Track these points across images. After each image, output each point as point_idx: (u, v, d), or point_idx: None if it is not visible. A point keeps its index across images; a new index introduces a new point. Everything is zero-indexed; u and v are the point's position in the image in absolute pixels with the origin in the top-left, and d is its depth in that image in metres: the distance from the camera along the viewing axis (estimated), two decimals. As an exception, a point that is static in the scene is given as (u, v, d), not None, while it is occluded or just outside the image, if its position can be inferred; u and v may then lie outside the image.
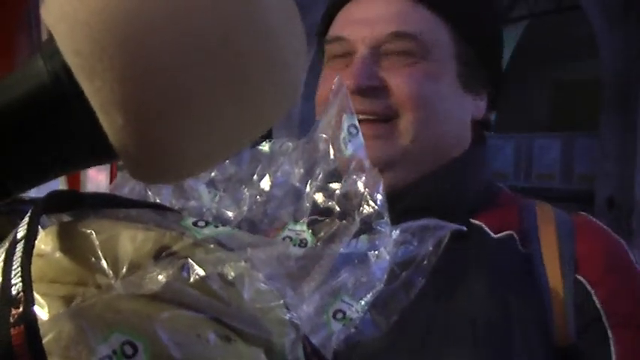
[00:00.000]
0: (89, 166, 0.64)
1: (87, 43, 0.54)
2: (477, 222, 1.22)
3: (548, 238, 1.18)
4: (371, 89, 1.16)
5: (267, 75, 0.59)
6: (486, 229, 1.22)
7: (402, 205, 1.03)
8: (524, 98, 11.81)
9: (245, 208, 0.88)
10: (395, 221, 0.85)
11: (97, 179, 1.67)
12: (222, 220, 0.86)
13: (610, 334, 1.10)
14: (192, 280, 0.59)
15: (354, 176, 0.86)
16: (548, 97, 13.02)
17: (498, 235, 1.21)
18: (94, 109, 0.55)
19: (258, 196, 0.90)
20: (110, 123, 0.56)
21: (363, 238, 0.84)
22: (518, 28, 11.14)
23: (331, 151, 0.87)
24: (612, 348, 1.10)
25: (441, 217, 0.91)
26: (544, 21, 11.26)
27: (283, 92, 0.61)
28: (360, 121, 1.03)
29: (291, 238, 0.82)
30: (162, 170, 0.60)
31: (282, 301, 0.61)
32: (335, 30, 1.25)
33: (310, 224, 0.84)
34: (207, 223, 0.64)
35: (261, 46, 0.57)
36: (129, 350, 0.58)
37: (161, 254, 0.62)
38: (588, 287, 1.14)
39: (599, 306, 1.12)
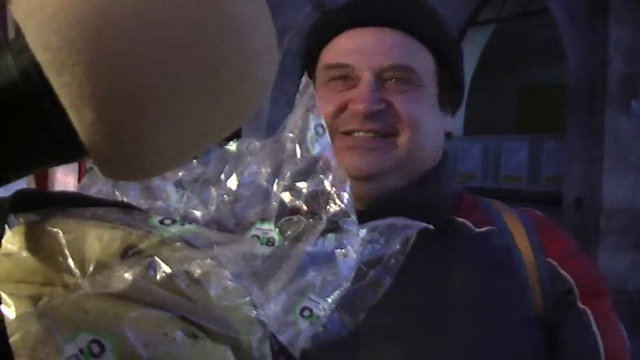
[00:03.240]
0: (59, 163, 0.63)
1: (56, 37, 0.54)
2: (460, 219, 1.44)
3: (517, 231, 1.42)
4: (378, 112, 1.35)
5: (239, 69, 0.58)
6: (469, 224, 1.43)
7: (395, 206, 1.17)
8: (491, 101, 11.91)
9: (213, 207, 0.88)
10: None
11: (65, 181, 1.65)
12: (189, 220, 0.86)
13: (579, 305, 1.37)
14: (158, 278, 0.59)
15: (321, 175, 0.86)
16: (515, 100, 13.14)
17: (480, 229, 1.43)
18: (64, 105, 0.55)
19: (225, 196, 0.90)
20: (80, 119, 0.55)
21: (331, 236, 0.85)
22: (485, 31, 11.23)
23: (298, 151, 0.88)
24: (587, 316, 1.36)
25: (429, 216, 1.07)
26: (511, 25, 11.35)
27: (254, 87, 0.61)
28: (362, 135, 1.36)
29: (258, 237, 0.83)
30: (132, 167, 0.60)
31: (248, 299, 0.62)
32: (335, 57, 1.41)
33: (277, 223, 0.85)
34: (173, 222, 0.64)
35: (231, 41, 0.57)
36: (96, 349, 0.58)
37: (128, 253, 0.62)
38: (557, 267, 1.39)
39: (570, 280, 1.39)
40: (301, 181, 0.88)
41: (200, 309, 0.60)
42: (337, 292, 0.78)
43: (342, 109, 1.37)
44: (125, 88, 0.54)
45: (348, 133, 1.37)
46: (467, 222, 1.44)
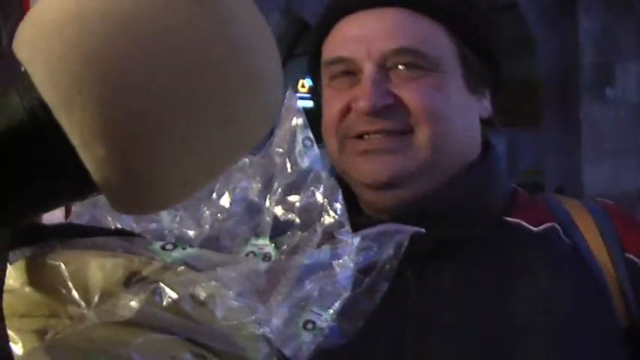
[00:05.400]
0: (71, 201, 0.62)
1: (64, 76, 0.53)
2: (513, 220, 1.20)
3: (586, 226, 1.18)
4: (385, 108, 1.13)
5: (246, 95, 0.58)
6: (525, 224, 1.20)
7: (425, 214, 1.06)
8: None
9: (207, 226, 0.88)
10: (431, 236, 0.89)
11: (52, 214, 1.64)
12: (184, 240, 0.87)
13: None
14: (164, 303, 0.60)
15: (313, 188, 0.87)
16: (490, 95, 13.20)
17: (539, 228, 1.19)
18: (74, 143, 0.54)
19: (218, 214, 0.90)
20: (92, 156, 0.54)
21: (326, 247, 0.85)
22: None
23: (288, 165, 0.88)
24: None
25: (472, 220, 0.99)
26: (481, 21, 11.43)
27: (263, 111, 0.60)
28: (372, 137, 1.15)
29: (254, 253, 0.83)
30: (145, 201, 0.58)
31: (254, 317, 0.62)
32: (333, 50, 1.21)
33: (273, 238, 0.85)
34: (175, 246, 0.65)
35: (238, 66, 0.57)
36: (106, 376, 0.58)
37: (132, 280, 0.63)
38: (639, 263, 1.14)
39: None
40: (292, 194, 0.88)
41: (206, 330, 0.61)
42: (337, 302, 0.78)
43: (347, 110, 1.16)
44: (136, 123, 0.54)
45: (360, 136, 1.16)
46: (522, 222, 1.20)
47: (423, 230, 1.01)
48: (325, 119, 1.22)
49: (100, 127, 0.53)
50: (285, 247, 0.83)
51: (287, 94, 0.93)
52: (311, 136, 0.89)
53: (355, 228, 0.84)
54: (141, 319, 0.61)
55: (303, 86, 13.02)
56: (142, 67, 0.54)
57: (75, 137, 0.54)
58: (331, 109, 1.17)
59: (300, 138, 0.88)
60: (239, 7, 0.59)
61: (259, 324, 0.63)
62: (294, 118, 0.89)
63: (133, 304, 0.60)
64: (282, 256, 0.82)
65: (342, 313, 0.87)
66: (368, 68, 1.14)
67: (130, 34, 0.54)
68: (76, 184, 0.57)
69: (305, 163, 0.88)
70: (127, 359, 0.59)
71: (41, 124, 0.55)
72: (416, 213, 1.10)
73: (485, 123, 1.31)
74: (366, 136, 1.15)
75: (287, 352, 0.73)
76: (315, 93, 1.31)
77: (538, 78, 9.49)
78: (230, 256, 0.68)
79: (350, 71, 1.17)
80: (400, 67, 1.14)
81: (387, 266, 0.92)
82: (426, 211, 1.12)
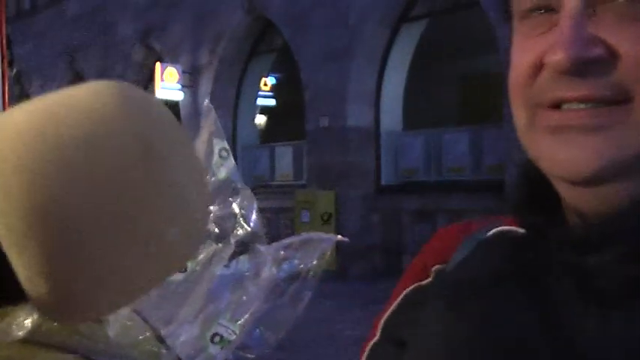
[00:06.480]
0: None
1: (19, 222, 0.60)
2: None
3: None
4: (592, 63, 0.73)
5: (179, 233, 0.65)
6: None
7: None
8: (430, 95, 12.03)
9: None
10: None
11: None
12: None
13: None
14: (56, 322, 0.60)
15: (230, 198, 0.87)
16: (453, 92, 13.29)
17: None
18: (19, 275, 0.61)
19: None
20: (34, 288, 0.61)
21: (243, 258, 0.86)
22: (419, 26, 11.35)
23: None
24: None
25: None
26: (444, 18, 11.49)
27: (191, 246, 0.69)
28: (571, 108, 0.72)
29: None
30: (74, 315, 0.64)
31: (149, 335, 0.63)
32: None
33: None
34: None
35: (171, 208, 0.65)
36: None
37: (27, 298, 0.63)
38: None
39: None
40: (212, 204, 0.88)
41: (102, 348, 0.61)
42: (247, 314, 0.79)
43: (539, 65, 0.75)
44: (78, 262, 0.61)
45: (556, 105, 0.74)
46: None
47: (347, 240, 1.01)
48: (510, 80, 0.81)
49: (47, 268, 0.60)
50: (201, 257, 0.84)
51: (205, 103, 0.93)
52: (227, 146, 0.89)
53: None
54: (38, 337, 0.61)
55: (265, 84, 13.01)
56: (85, 222, 0.61)
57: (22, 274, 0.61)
58: (517, 65, 0.78)
59: (216, 149, 0.89)
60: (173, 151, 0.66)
61: (159, 339, 0.64)
62: (211, 129, 0.89)
63: (27, 323, 0.60)
64: (198, 267, 0.82)
65: (265, 323, 0.88)
66: (570, 3, 0.74)
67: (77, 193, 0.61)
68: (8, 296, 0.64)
69: (222, 173, 0.88)
70: None
71: None
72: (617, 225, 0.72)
73: None
74: (565, 106, 0.74)
75: (196, 365, 0.73)
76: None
77: (500, 75, 9.58)
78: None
79: (546, 6, 0.77)
80: (619, 2, 0.73)
81: (311, 274, 0.92)
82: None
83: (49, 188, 0.60)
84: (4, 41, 2.44)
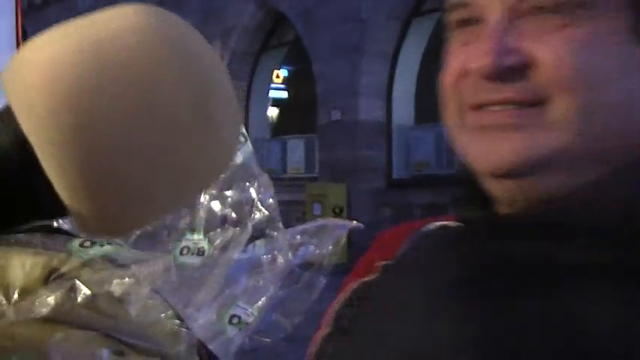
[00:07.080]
0: (42, 219, 0.73)
1: (55, 132, 0.65)
2: None
3: None
4: (511, 70, 0.80)
5: (210, 158, 0.73)
6: None
7: (575, 223, 0.75)
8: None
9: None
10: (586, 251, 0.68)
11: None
12: (110, 240, 0.87)
13: None
14: (79, 300, 0.61)
15: (247, 183, 0.88)
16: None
17: None
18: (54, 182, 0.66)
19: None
20: (68, 195, 0.67)
21: (260, 243, 0.87)
22: (431, 21, 11.32)
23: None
24: None
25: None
26: (456, 12, 11.46)
27: (217, 159, 0.76)
28: (494, 109, 0.80)
29: (188, 248, 0.84)
30: (109, 228, 0.70)
31: (170, 313, 0.64)
32: None
33: (208, 232, 0.86)
34: (93, 243, 0.66)
35: (206, 137, 0.71)
36: (26, 373, 0.59)
37: (51, 277, 0.64)
38: None
39: None
40: (228, 189, 0.89)
41: (123, 326, 0.62)
42: (264, 297, 0.80)
43: (465, 71, 0.84)
44: (110, 176, 0.67)
45: (479, 106, 0.83)
46: None
47: (362, 226, 1.02)
48: (442, 83, 0.90)
49: (76, 173, 0.66)
50: (218, 242, 0.84)
51: None
52: (244, 132, 0.89)
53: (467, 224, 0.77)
54: (60, 315, 0.62)
55: (277, 77, 13.03)
56: (118, 138, 0.66)
57: (54, 178, 0.66)
58: (448, 70, 0.86)
59: (234, 134, 0.89)
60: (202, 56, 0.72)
61: (179, 319, 0.64)
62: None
63: (50, 300, 0.61)
64: (215, 252, 0.83)
65: (280, 308, 0.88)
66: (493, 14, 0.82)
67: (109, 116, 0.66)
68: (50, 210, 0.70)
69: (239, 158, 0.89)
70: (46, 355, 0.60)
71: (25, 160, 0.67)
72: (561, 211, 0.78)
73: None
74: (486, 108, 0.82)
75: (212, 347, 0.74)
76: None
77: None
78: (147, 253, 0.69)
79: (474, 19, 0.84)
80: (538, 12, 0.80)
81: (326, 261, 0.93)
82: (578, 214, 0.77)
83: (90, 105, 0.65)
84: (20, 32, 2.46)
